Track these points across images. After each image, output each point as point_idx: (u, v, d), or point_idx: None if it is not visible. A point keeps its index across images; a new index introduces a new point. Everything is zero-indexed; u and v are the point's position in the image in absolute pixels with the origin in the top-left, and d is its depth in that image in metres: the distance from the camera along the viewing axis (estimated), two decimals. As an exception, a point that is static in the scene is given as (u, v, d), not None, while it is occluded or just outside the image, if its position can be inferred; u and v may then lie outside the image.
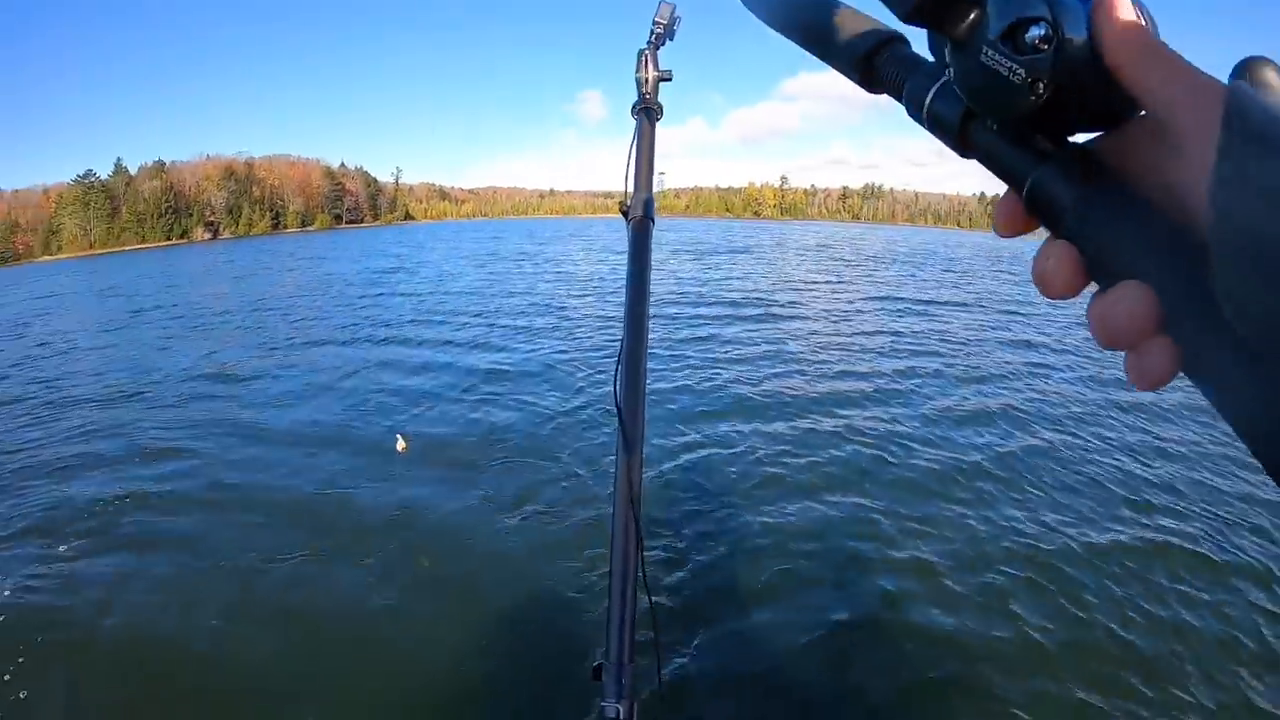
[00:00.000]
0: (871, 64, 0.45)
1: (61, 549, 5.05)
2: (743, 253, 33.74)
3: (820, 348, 11.37)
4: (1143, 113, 0.32)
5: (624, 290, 1.14)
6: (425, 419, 7.61)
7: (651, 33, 1.44)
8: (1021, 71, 0.31)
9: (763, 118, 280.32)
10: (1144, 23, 0.31)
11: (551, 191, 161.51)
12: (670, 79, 1.42)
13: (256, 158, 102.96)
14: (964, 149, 0.38)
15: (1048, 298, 0.34)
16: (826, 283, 21.38)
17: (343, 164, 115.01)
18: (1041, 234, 0.36)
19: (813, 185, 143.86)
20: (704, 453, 6.45)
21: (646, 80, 1.39)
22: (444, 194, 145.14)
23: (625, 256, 1.19)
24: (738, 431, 7.01)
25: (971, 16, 0.34)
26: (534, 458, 6.33)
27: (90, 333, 15.57)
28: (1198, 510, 5.43)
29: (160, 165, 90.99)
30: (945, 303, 17.28)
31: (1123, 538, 4.95)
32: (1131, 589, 4.31)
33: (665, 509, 5.32)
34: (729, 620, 4.01)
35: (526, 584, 4.39)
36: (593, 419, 7.37)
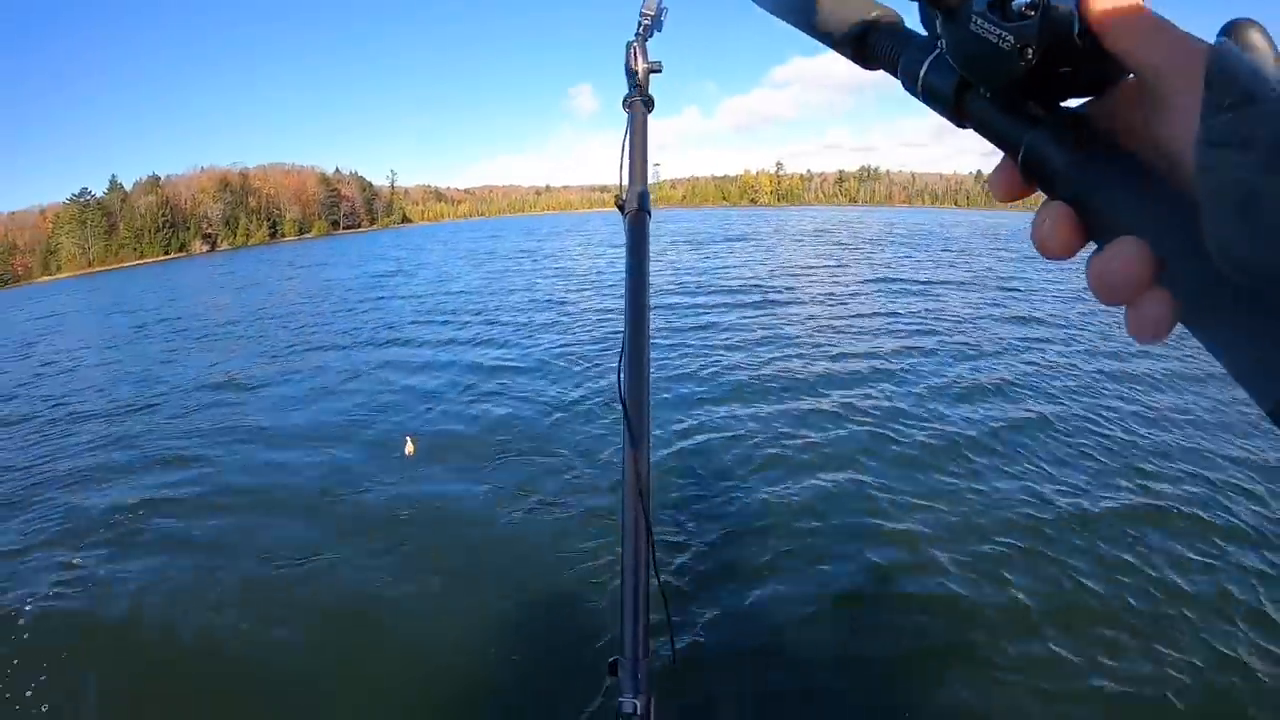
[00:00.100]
0: (865, 41, 0.47)
1: (86, 555, 5.18)
2: (740, 240, 33.70)
3: (818, 330, 11.47)
4: (1129, 76, 0.33)
5: (623, 284, 1.13)
6: (431, 417, 7.72)
7: (639, 24, 1.43)
8: (1010, 38, 0.32)
9: (756, 105, 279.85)
10: None
11: (548, 188, 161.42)
12: (660, 70, 1.40)
13: (251, 168, 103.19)
14: (959, 119, 0.40)
15: (1046, 258, 0.35)
16: (824, 267, 21.40)
17: (337, 170, 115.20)
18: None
19: (808, 170, 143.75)
20: (706, 437, 6.54)
21: (636, 72, 1.37)
22: (440, 195, 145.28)
23: (621, 249, 1.18)
24: (739, 415, 7.11)
25: None
26: (539, 452, 6.42)
27: (95, 350, 15.70)
28: (1188, 475, 5.52)
29: (155, 180, 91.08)
30: (943, 282, 17.32)
31: (1116, 504, 5.05)
32: (1123, 553, 4.41)
33: (671, 494, 5.41)
34: (740, 602, 4.08)
35: (539, 577, 4.46)
36: (595, 411, 7.46)
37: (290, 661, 3.84)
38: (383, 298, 19.17)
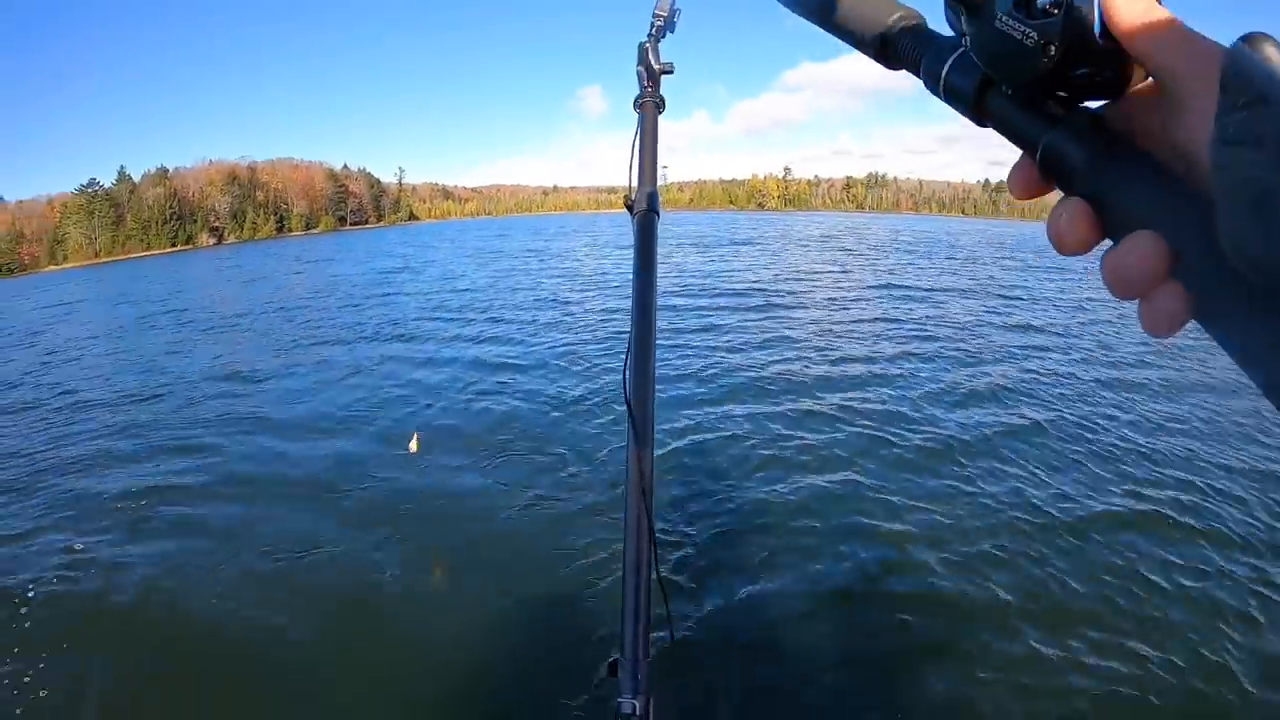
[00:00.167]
0: (889, 41, 0.47)
1: (91, 541, 5.24)
2: (746, 245, 33.70)
3: (820, 334, 11.51)
4: (1145, 81, 0.34)
5: (629, 284, 1.12)
6: (434, 412, 7.78)
7: (652, 25, 1.42)
8: (1034, 35, 0.34)
9: (766, 109, 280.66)
10: None
11: (555, 188, 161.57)
12: (672, 72, 1.39)
13: (259, 162, 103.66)
14: (980, 117, 0.41)
15: (1062, 254, 0.36)
16: (829, 272, 21.44)
17: (345, 166, 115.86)
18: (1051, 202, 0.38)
19: (816, 176, 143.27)
20: (707, 436, 6.59)
21: (647, 74, 1.36)
22: (447, 193, 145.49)
23: (628, 251, 1.18)
24: (739, 416, 7.16)
25: None
26: (540, 450, 6.46)
27: (101, 340, 15.79)
28: (1179, 481, 5.57)
29: (163, 172, 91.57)
30: (945, 289, 17.36)
31: (1106, 509, 5.10)
32: (1112, 557, 4.46)
33: (672, 492, 5.45)
34: (738, 602, 4.11)
35: (538, 574, 4.49)
36: (597, 410, 7.52)
37: (290, 648, 3.88)
38: (389, 294, 19.24)
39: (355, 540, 4.98)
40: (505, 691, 3.55)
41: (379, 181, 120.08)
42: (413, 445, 6.54)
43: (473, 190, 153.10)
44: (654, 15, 1.42)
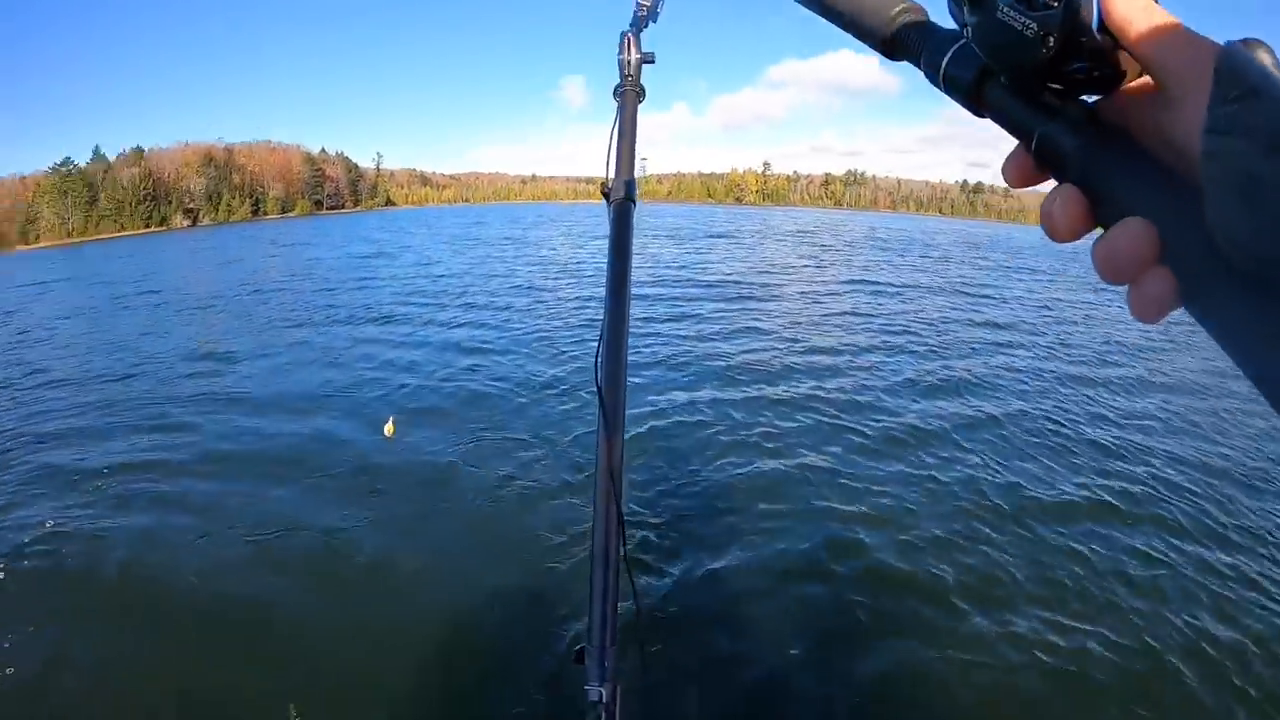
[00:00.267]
0: (891, 33, 0.48)
1: (72, 515, 5.29)
2: (722, 238, 33.84)
3: (790, 326, 11.74)
4: (1139, 78, 0.35)
5: (603, 273, 1.12)
6: (406, 394, 7.89)
7: (634, 14, 1.43)
8: (1034, 25, 0.34)
9: (746, 104, 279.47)
10: None
11: (534, 177, 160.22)
12: (653, 61, 1.38)
13: (236, 144, 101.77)
14: (978, 108, 0.42)
15: (1054, 240, 0.37)
16: (804, 267, 21.71)
17: (323, 150, 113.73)
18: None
19: (795, 171, 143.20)
20: (676, 421, 6.77)
21: (629, 62, 1.35)
22: (425, 179, 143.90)
23: (604, 242, 1.17)
24: (707, 402, 7.34)
25: None
26: (512, 433, 6.59)
27: (75, 320, 15.58)
28: (1131, 473, 5.84)
29: (139, 152, 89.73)
30: (918, 286, 17.67)
31: (1060, 497, 5.36)
32: (1069, 540, 4.70)
33: (639, 477, 5.59)
34: (704, 587, 4.21)
35: (508, 559, 4.54)
36: (568, 394, 7.66)
37: (265, 623, 3.96)
38: (365, 278, 19.19)
39: (326, 518, 5.05)
40: (473, 679, 3.54)
41: (356, 166, 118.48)
42: (388, 430, 6.65)
43: (451, 177, 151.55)
44: (637, 4, 1.44)
